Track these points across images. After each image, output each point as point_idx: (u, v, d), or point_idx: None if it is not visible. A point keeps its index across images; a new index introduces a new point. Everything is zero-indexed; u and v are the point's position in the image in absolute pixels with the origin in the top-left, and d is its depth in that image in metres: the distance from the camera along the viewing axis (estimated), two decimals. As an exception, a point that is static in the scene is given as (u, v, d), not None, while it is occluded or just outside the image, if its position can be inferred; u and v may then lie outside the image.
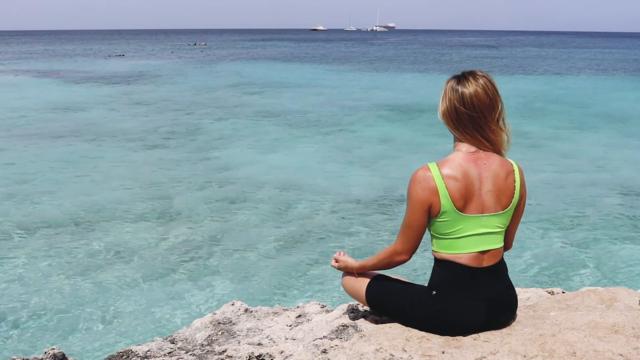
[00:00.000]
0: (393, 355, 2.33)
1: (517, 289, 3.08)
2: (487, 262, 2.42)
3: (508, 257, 2.87)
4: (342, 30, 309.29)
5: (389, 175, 11.77)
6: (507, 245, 2.56)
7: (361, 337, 2.55)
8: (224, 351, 2.82)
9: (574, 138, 16.00)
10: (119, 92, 26.22)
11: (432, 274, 2.48)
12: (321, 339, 2.72)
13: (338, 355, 2.46)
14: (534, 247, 7.88)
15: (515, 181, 2.43)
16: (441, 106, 2.47)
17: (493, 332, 2.45)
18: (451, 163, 2.38)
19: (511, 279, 2.58)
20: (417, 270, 6.80)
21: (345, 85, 29.83)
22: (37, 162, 12.82)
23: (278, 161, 13.13)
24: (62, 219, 8.93)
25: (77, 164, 12.66)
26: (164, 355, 2.87)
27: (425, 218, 2.40)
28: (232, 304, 3.45)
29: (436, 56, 60.32)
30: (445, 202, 2.34)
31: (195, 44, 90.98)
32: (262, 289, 6.68)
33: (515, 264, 7.15)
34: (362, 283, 2.71)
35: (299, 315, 3.23)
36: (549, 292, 3.27)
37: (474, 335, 2.42)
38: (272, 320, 3.23)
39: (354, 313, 3.02)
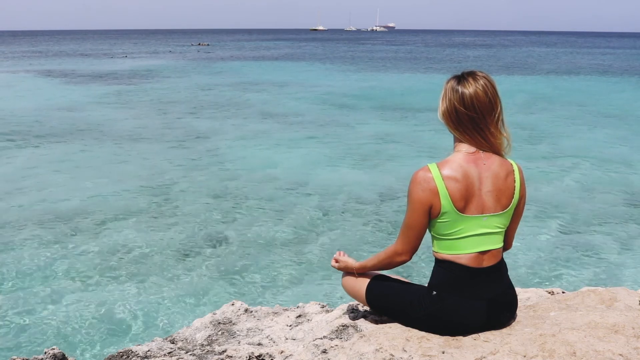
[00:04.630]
0: (393, 355, 2.33)
1: (517, 289, 3.08)
2: (487, 262, 2.42)
3: (508, 257, 2.86)
4: (342, 30, 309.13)
5: (389, 174, 11.77)
6: (507, 245, 2.57)
7: (361, 337, 2.55)
8: (224, 351, 2.82)
9: (574, 137, 16.00)
10: (121, 92, 26.21)
11: (432, 274, 2.49)
12: (321, 339, 2.72)
13: (338, 355, 2.46)
14: (534, 247, 7.88)
15: (515, 181, 2.44)
16: (441, 106, 2.47)
17: (493, 332, 2.45)
18: (451, 164, 2.38)
19: (511, 279, 2.58)
20: (417, 270, 6.80)
21: (345, 85, 29.82)
22: (39, 161, 12.81)
23: (278, 160, 13.13)
24: (63, 218, 8.93)
25: (77, 163, 12.66)
26: (164, 355, 2.87)
27: (426, 219, 2.40)
28: (232, 304, 3.45)
29: (436, 56, 60.29)
30: (445, 202, 2.35)
31: (199, 44, 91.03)
32: (262, 289, 6.68)
33: (515, 264, 7.15)
34: (362, 283, 2.72)
35: (299, 315, 3.23)
36: (549, 292, 3.27)
37: (474, 335, 2.43)
38: (272, 320, 3.23)
39: (354, 313, 3.02)
